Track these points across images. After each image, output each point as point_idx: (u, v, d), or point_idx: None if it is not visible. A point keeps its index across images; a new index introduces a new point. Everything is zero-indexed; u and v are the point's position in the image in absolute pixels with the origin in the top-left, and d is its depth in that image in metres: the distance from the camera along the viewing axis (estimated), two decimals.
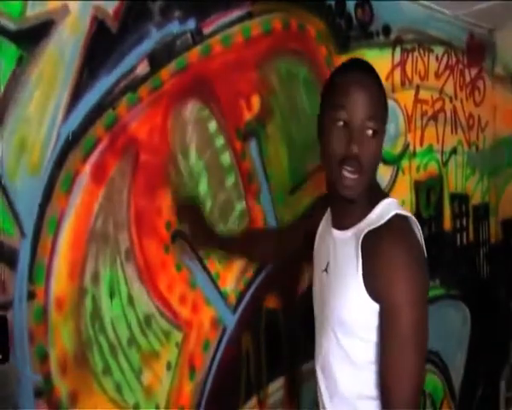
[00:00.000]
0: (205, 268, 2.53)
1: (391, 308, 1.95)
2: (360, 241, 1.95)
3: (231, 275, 2.63)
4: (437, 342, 3.88)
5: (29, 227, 2.02)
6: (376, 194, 2.06)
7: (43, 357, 2.05)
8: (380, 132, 2.00)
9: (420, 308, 1.95)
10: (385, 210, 2.01)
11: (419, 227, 2.01)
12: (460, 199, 4.19)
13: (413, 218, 2.01)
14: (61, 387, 2.10)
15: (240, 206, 2.66)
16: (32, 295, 2.03)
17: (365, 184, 1.97)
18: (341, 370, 2.11)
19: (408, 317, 1.92)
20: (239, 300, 2.66)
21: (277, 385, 2.80)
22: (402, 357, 1.93)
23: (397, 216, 1.99)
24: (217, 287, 2.58)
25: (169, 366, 2.41)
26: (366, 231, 1.95)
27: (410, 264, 1.96)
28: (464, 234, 4.26)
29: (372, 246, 1.94)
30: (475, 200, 4.35)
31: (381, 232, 1.94)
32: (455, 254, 4.14)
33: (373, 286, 1.95)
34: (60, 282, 2.09)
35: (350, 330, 2.03)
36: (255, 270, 2.73)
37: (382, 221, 1.95)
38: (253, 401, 2.73)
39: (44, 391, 2.06)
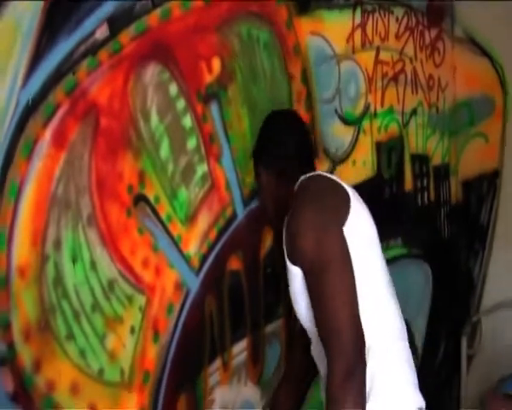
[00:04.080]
0: (167, 231, 2.52)
1: (307, 270, 2.04)
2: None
3: (194, 238, 2.63)
4: (399, 300, 3.92)
5: None
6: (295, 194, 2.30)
7: (6, 325, 2.02)
8: (261, 174, 2.44)
9: (334, 259, 2.02)
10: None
11: (338, 181, 2.13)
12: (421, 160, 4.22)
13: (323, 174, 2.13)
14: (25, 354, 2.08)
15: (201, 169, 2.66)
16: None
17: (273, 212, 2.13)
18: (316, 343, 2.17)
19: (325, 274, 2.01)
20: (202, 262, 2.66)
21: (241, 347, 2.82)
22: (330, 314, 2.01)
23: (300, 183, 2.12)
24: (179, 250, 2.57)
25: (133, 331, 2.40)
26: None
27: (314, 220, 2.08)
28: (425, 194, 4.30)
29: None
30: (436, 160, 4.39)
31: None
32: (416, 215, 4.18)
33: (289, 253, 2.05)
34: (21, 249, 2.06)
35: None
36: (218, 232, 2.73)
37: None
38: (218, 362, 2.74)
39: (7, 359, 2.03)
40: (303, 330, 2.45)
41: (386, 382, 2.13)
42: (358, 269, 2.11)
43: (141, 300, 2.43)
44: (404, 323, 2.34)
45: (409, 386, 2.20)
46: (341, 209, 2.17)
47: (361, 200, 2.35)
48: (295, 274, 2.21)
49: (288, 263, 2.24)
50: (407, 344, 2.30)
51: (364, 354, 2.02)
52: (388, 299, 2.27)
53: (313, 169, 2.47)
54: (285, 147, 2.45)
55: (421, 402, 2.19)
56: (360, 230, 2.19)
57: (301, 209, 2.20)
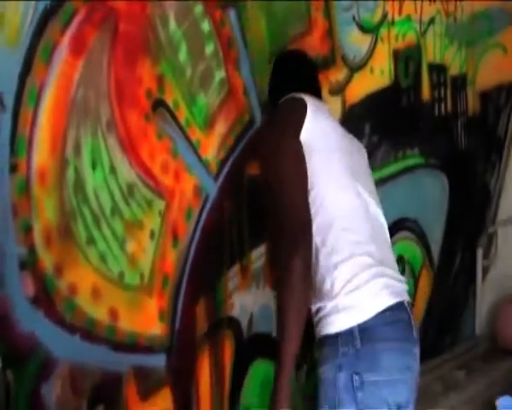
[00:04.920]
0: (186, 136, 2.52)
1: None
2: None
3: (212, 143, 2.63)
4: (416, 211, 3.93)
5: (9, 99, 1.99)
6: None
7: (27, 230, 2.05)
8: None
9: (280, 162, 2.16)
10: None
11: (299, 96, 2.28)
12: (438, 69, 4.18)
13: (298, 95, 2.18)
14: (46, 258, 2.11)
15: (219, 75, 2.64)
16: (13, 168, 2.01)
17: None
18: None
19: (271, 172, 2.20)
20: (220, 168, 2.67)
21: (260, 252, 2.83)
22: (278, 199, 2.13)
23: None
24: (198, 155, 2.58)
25: (152, 235, 2.42)
26: None
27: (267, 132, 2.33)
28: (442, 105, 4.26)
29: None
30: (453, 71, 4.34)
31: None
32: (433, 125, 4.15)
33: None
34: (42, 154, 2.07)
35: None
36: (235, 138, 2.73)
37: None
38: (236, 267, 2.76)
39: (29, 263, 2.06)
40: None
41: (348, 282, 2.15)
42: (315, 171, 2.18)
43: (160, 204, 2.44)
44: (382, 228, 2.35)
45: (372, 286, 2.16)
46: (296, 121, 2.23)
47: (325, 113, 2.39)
48: None
49: None
50: (383, 247, 2.28)
51: (309, 239, 2.08)
52: (353, 198, 2.25)
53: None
54: (299, 85, 2.47)
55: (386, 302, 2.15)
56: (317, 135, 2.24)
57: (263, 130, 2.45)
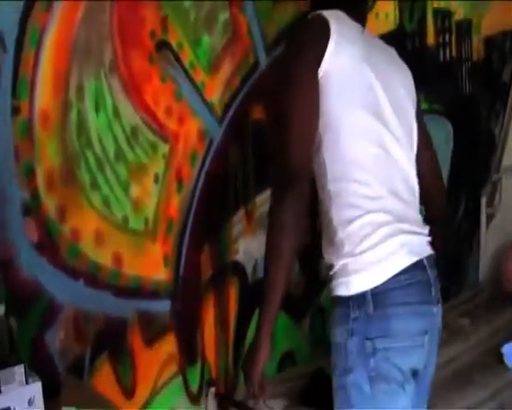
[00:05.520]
0: (190, 79, 2.49)
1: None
2: None
3: (217, 85, 2.59)
4: None
5: (11, 42, 1.97)
6: None
7: (30, 173, 2.05)
8: None
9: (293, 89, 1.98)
10: None
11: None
12: (443, 14, 4.12)
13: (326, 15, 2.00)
14: (49, 203, 2.11)
15: (224, 16, 2.60)
16: (16, 111, 2.00)
17: None
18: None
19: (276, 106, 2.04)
20: (225, 111, 2.63)
21: (265, 197, 2.78)
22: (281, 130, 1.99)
23: None
24: (203, 98, 2.54)
25: (156, 179, 2.41)
26: None
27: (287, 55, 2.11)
28: (447, 50, 4.21)
29: None
30: (458, 16, 4.29)
31: None
32: (438, 70, 4.11)
33: None
34: (44, 96, 2.06)
35: None
36: (241, 80, 2.69)
37: None
38: (241, 213, 2.75)
39: (32, 208, 2.06)
40: None
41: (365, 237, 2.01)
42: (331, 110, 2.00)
43: (164, 148, 2.42)
44: (407, 178, 2.13)
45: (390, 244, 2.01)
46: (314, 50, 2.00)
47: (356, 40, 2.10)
48: None
49: None
50: (404, 200, 2.09)
51: (298, 189, 1.94)
52: (373, 147, 2.05)
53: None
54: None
55: (402, 264, 2.01)
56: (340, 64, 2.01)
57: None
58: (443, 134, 4.17)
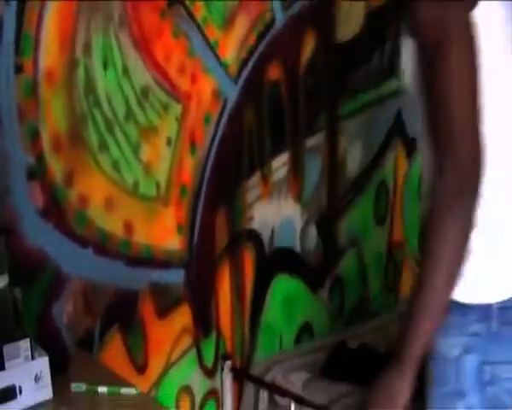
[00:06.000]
0: (203, 35, 2.40)
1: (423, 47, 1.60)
2: None
3: (232, 43, 2.51)
4: None
5: None
6: None
7: (34, 135, 1.99)
8: None
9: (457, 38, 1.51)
10: None
11: None
12: None
13: None
14: (55, 167, 2.05)
15: None
16: (19, 69, 1.93)
17: None
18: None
19: (444, 57, 1.51)
20: (240, 70, 2.55)
21: (281, 161, 2.73)
22: (445, 111, 1.51)
23: None
24: (216, 56, 2.46)
25: (169, 142, 2.34)
26: None
27: None
28: None
29: None
30: None
31: None
32: None
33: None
34: (49, 53, 2.00)
35: None
36: (256, 37, 2.59)
37: None
38: (257, 176, 2.68)
39: (37, 172, 2.01)
40: None
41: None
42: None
43: (177, 108, 2.35)
44: None
45: None
46: None
47: None
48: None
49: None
50: None
51: (482, 172, 1.45)
52: None
53: None
54: None
55: None
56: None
57: None
58: None
